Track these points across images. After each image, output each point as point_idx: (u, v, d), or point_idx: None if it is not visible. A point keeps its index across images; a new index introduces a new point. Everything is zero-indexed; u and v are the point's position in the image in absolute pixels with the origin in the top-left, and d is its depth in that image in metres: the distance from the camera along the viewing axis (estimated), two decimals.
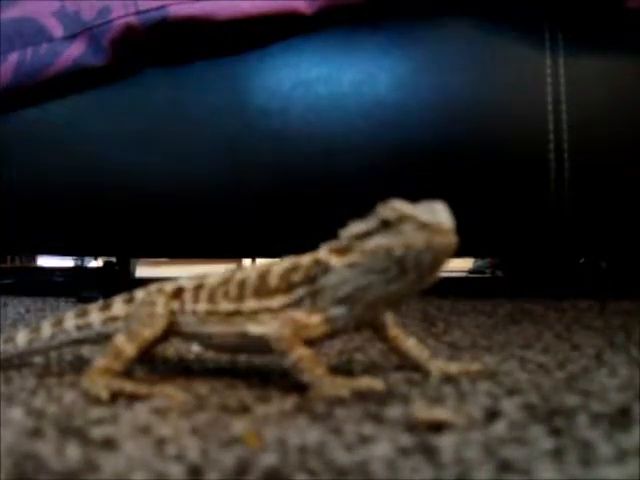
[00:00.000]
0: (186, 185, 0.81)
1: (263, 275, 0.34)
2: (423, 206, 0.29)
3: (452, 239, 0.28)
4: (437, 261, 0.29)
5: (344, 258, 0.31)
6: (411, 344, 0.36)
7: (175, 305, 0.35)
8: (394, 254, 0.29)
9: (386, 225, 0.29)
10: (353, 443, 0.23)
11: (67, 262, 2.11)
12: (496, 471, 0.20)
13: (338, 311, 0.32)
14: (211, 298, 0.35)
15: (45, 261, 2.21)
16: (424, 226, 0.28)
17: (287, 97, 0.77)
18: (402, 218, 0.29)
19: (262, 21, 0.74)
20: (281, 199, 0.80)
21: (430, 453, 0.22)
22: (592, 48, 0.73)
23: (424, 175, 0.75)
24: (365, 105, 0.75)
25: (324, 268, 0.32)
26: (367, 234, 0.30)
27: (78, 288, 0.90)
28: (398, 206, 0.29)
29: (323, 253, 0.32)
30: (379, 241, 0.30)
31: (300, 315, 0.32)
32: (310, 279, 0.33)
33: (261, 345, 0.33)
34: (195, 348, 0.43)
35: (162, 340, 0.36)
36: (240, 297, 0.34)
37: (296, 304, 0.33)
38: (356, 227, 0.31)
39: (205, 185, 0.81)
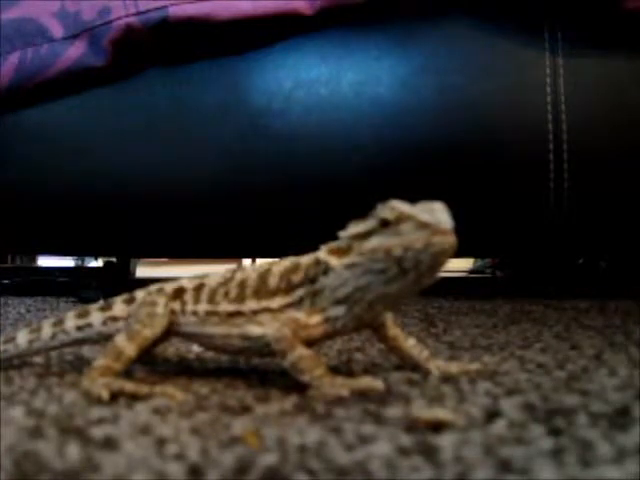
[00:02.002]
0: (186, 185, 0.81)
1: (263, 275, 0.34)
2: (422, 206, 0.29)
3: (451, 239, 0.28)
4: (437, 261, 0.29)
5: (343, 259, 0.31)
6: (411, 344, 0.36)
7: (176, 305, 0.36)
8: (393, 254, 0.29)
9: (385, 225, 0.29)
10: (353, 443, 0.23)
11: (67, 262, 2.11)
12: (495, 471, 0.20)
13: (338, 311, 0.32)
14: (211, 298, 0.35)
15: (45, 261, 2.21)
16: (423, 226, 0.29)
17: (287, 97, 0.77)
18: (401, 218, 0.29)
19: (262, 21, 0.75)
20: (281, 199, 0.80)
21: (430, 453, 0.22)
22: (591, 49, 0.73)
23: (424, 175, 0.75)
24: (365, 105, 0.75)
25: (324, 269, 0.32)
26: (366, 234, 0.30)
27: (78, 288, 0.90)
28: (397, 206, 0.29)
29: (323, 254, 0.32)
30: (378, 241, 0.30)
31: (300, 315, 0.32)
32: (310, 279, 0.33)
33: (261, 346, 0.33)
34: (195, 348, 0.43)
35: (162, 340, 0.37)
36: (240, 298, 0.34)
37: (296, 304, 0.33)
38: (355, 228, 0.31)
39: (205, 185, 0.81)
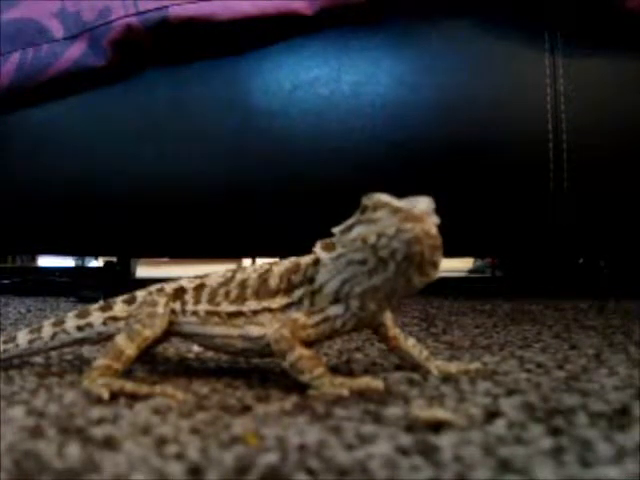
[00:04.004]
0: (186, 185, 0.81)
1: (263, 275, 0.34)
2: (407, 199, 0.29)
3: (424, 225, 0.28)
4: (412, 249, 0.28)
5: (331, 252, 0.31)
6: (411, 344, 0.36)
7: (176, 305, 0.36)
8: (368, 242, 0.29)
9: (364, 211, 0.30)
10: (353, 442, 0.23)
11: (67, 262, 2.11)
12: (495, 470, 0.20)
13: (336, 310, 0.32)
14: (212, 299, 0.35)
15: (45, 261, 2.21)
16: (396, 212, 0.29)
17: (287, 97, 0.77)
18: (377, 206, 0.29)
19: (262, 21, 0.75)
20: (281, 199, 0.80)
21: (429, 452, 0.22)
22: (591, 49, 0.73)
23: (424, 175, 0.75)
24: (365, 105, 0.76)
25: (320, 266, 0.32)
26: (350, 227, 0.31)
27: (78, 288, 0.90)
28: (376, 196, 0.30)
29: (317, 249, 0.32)
30: (357, 231, 0.30)
31: (299, 316, 0.32)
32: (309, 279, 0.33)
33: (261, 347, 0.33)
34: (195, 348, 0.43)
35: (162, 340, 0.37)
36: (241, 298, 0.34)
37: (296, 304, 0.33)
38: (344, 223, 0.31)
39: (205, 185, 0.81)
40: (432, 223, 0.28)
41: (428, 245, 0.28)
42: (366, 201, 0.30)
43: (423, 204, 0.29)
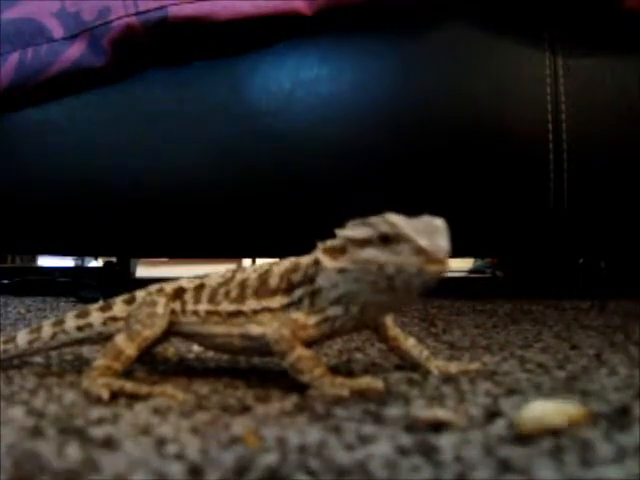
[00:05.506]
0: (186, 185, 0.81)
1: (263, 275, 0.34)
2: (423, 224, 0.29)
3: (445, 266, 0.28)
4: (427, 284, 0.29)
5: (336, 261, 0.31)
6: (411, 344, 0.36)
7: (176, 305, 0.36)
8: (385, 271, 0.29)
9: (383, 240, 0.29)
10: (353, 443, 0.23)
11: (67, 262, 2.11)
12: (496, 471, 0.20)
13: (336, 311, 0.32)
14: (212, 298, 0.35)
15: (45, 261, 2.21)
16: (420, 251, 0.28)
17: (287, 97, 0.77)
18: (400, 237, 0.29)
19: (262, 21, 0.74)
20: (281, 199, 0.80)
21: (430, 453, 0.22)
22: (591, 48, 0.73)
23: (425, 175, 0.75)
24: (365, 105, 0.75)
25: (320, 268, 0.32)
26: (362, 242, 0.30)
27: (78, 288, 0.90)
28: (397, 222, 0.29)
29: (318, 252, 0.32)
30: (373, 254, 0.29)
31: (299, 316, 0.32)
32: (309, 279, 0.33)
33: (261, 346, 0.33)
34: (195, 348, 0.43)
35: (162, 340, 0.37)
36: (241, 297, 0.34)
37: (296, 304, 0.33)
38: (352, 231, 0.31)
39: (205, 185, 0.81)
40: (447, 260, 0.29)
41: (440, 277, 0.29)
42: (384, 227, 0.29)
43: (441, 239, 0.28)
